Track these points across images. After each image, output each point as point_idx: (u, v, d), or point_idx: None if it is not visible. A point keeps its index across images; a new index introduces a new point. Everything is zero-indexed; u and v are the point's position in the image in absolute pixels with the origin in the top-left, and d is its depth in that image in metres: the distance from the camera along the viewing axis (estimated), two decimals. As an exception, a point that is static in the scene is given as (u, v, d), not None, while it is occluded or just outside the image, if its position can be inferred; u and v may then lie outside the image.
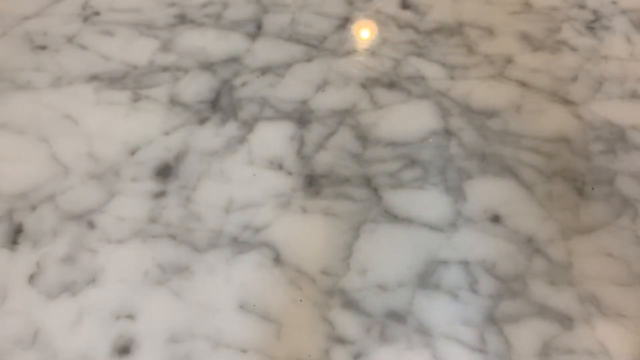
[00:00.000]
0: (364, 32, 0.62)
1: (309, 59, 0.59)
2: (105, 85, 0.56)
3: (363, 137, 0.52)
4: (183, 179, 0.49)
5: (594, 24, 0.62)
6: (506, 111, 0.54)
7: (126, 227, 0.46)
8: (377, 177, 0.49)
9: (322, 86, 0.56)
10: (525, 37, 0.61)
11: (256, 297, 0.42)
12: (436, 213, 0.47)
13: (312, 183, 0.49)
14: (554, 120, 0.53)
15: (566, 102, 0.55)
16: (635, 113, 0.54)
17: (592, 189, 0.48)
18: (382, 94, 0.55)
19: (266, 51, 0.59)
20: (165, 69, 0.57)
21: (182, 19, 0.62)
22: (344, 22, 0.62)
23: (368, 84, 0.56)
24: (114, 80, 0.56)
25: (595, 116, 0.54)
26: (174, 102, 0.55)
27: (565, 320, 0.41)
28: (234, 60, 0.58)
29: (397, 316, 0.42)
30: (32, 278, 0.43)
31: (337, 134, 0.52)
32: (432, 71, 0.57)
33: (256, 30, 0.61)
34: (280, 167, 0.50)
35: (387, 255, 0.45)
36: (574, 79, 0.57)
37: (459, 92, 0.56)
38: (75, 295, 0.42)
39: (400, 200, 0.48)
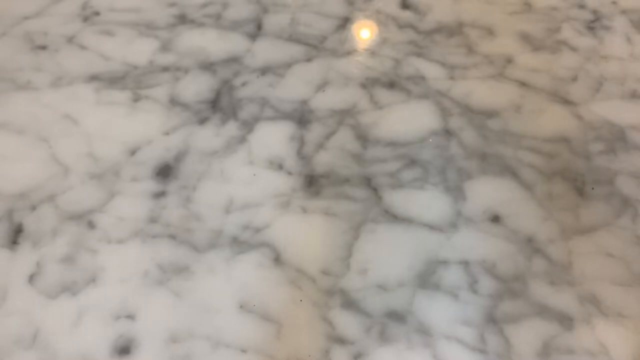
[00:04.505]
0: (364, 32, 0.62)
1: (309, 59, 0.59)
2: (105, 85, 0.56)
3: (363, 137, 0.52)
4: (183, 179, 0.49)
5: (594, 24, 0.62)
6: (506, 111, 0.54)
7: (126, 227, 0.46)
8: (377, 177, 0.49)
9: (322, 86, 0.56)
10: (525, 37, 0.61)
11: (256, 297, 0.42)
12: (436, 213, 0.47)
13: (312, 183, 0.49)
14: (554, 120, 0.53)
15: (566, 102, 0.55)
16: (635, 113, 0.54)
17: (592, 189, 0.48)
18: (382, 94, 0.55)
19: (266, 51, 0.59)
20: (165, 69, 0.57)
21: (182, 19, 0.62)
22: (344, 22, 0.62)
23: (368, 84, 0.56)
24: (114, 80, 0.56)
25: (595, 116, 0.54)
26: (174, 102, 0.55)
27: (565, 320, 0.41)
28: (234, 60, 0.58)
29: (397, 316, 0.42)
30: (32, 278, 0.43)
31: (337, 134, 0.52)
32: (432, 71, 0.57)
33: (256, 30, 0.61)
34: (280, 167, 0.50)
35: (387, 255, 0.45)
36: (574, 79, 0.57)
37: (459, 92, 0.56)
38: (75, 295, 0.42)
39: (400, 200, 0.48)
